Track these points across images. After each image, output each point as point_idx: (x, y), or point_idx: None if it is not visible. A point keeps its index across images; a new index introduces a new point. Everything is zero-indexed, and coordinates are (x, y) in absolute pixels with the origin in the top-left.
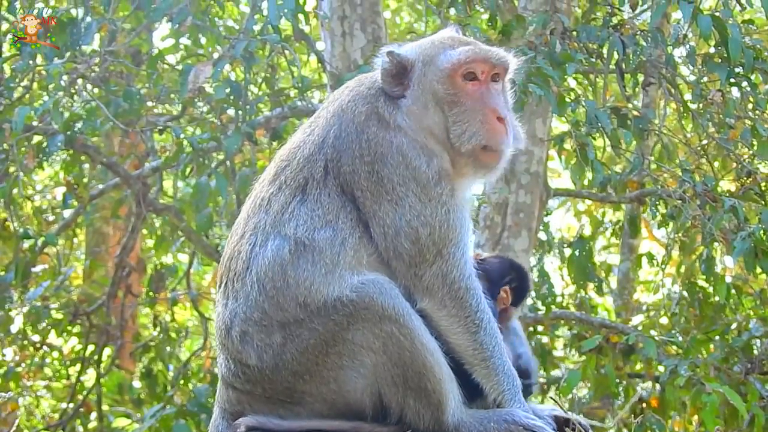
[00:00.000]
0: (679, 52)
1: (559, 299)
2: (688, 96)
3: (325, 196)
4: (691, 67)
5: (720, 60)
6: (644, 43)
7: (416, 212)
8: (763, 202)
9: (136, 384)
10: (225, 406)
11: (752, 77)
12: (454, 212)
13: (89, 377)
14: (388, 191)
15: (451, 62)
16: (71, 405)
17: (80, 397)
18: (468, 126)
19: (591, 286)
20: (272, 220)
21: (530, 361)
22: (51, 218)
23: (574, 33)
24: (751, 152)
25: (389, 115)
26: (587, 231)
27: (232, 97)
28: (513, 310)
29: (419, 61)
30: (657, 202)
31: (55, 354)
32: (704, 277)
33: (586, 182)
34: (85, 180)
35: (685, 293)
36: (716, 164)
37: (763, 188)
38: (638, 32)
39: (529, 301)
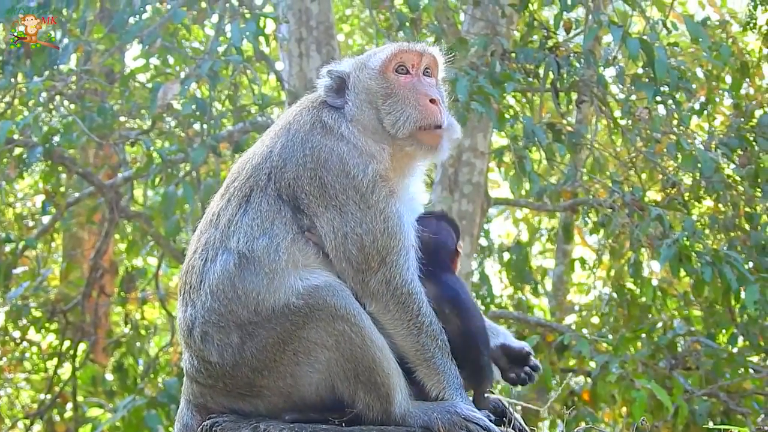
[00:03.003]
0: (609, 73)
1: (498, 300)
2: (617, 113)
3: (264, 203)
4: (620, 86)
5: (647, 80)
6: (577, 64)
7: (358, 220)
8: (686, 211)
9: (109, 377)
10: (190, 398)
11: (677, 96)
12: (392, 219)
13: (65, 370)
14: (332, 197)
15: (381, 59)
16: (49, 396)
17: (57, 388)
18: (402, 113)
19: (528, 287)
20: (220, 234)
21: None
22: (31, 224)
23: (513, 55)
24: (675, 165)
25: (334, 122)
26: (524, 237)
27: (197, 113)
28: (461, 249)
29: (353, 69)
30: (589, 211)
31: (34, 349)
32: (632, 279)
33: (523, 192)
34: (63, 189)
35: (614, 295)
36: (644, 176)
37: (686, 198)
38: (572, 54)
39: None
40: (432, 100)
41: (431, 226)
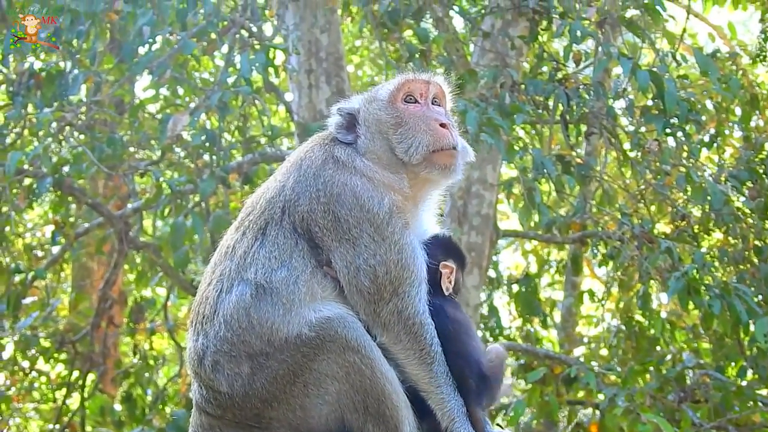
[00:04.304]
0: (619, 105)
1: (507, 332)
2: (627, 145)
3: (281, 236)
4: (630, 118)
5: (657, 112)
6: (587, 96)
7: (372, 251)
8: (696, 244)
9: (117, 407)
10: (198, 430)
11: (686, 128)
12: (406, 251)
13: (74, 400)
14: (345, 231)
15: (389, 90)
16: (57, 426)
17: (66, 419)
18: (413, 139)
19: (536, 319)
20: (236, 266)
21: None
22: (40, 254)
23: (523, 86)
24: (685, 197)
25: (347, 157)
26: (533, 269)
27: (207, 144)
28: (461, 276)
29: (363, 104)
30: (598, 243)
31: (43, 379)
32: (641, 312)
33: (532, 224)
34: (72, 219)
35: (623, 327)
36: (653, 208)
37: (696, 230)
38: (581, 86)
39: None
40: (442, 125)
41: None
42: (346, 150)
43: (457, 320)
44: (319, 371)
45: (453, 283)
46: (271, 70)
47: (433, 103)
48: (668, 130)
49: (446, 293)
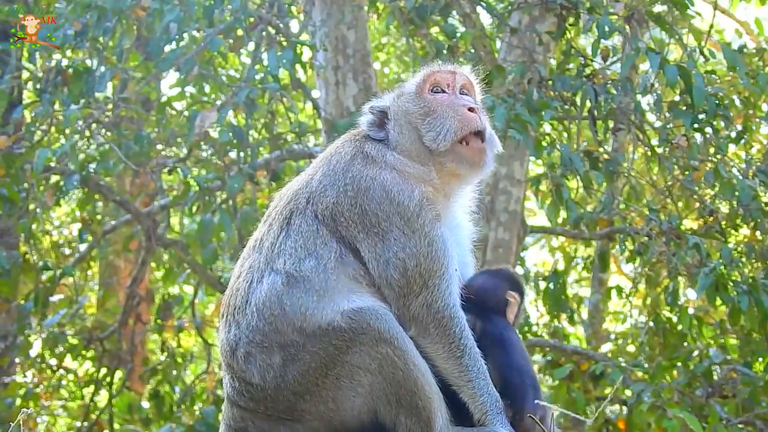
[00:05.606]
0: (646, 100)
1: (534, 328)
2: (654, 141)
3: (304, 224)
4: (657, 114)
5: (685, 107)
6: (614, 92)
7: (401, 244)
8: (723, 239)
9: (145, 404)
10: (230, 422)
11: (714, 123)
12: (436, 243)
13: (102, 398)
14: (373, 224)
15: (416, 82)
16: (85, 424)
17: (93, 416)
18: (441, 127)
19: (564, 316)
20: (264, 258)
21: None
22: (67, 252)
23: (550, 82)
24: (713, 193)
25: (377, 153)
26: (561, 265)
27: (234, 141)
28: (518, 306)
29: (393, 100)
30: (625, 239)
31: (71, 376)
32: (669, 308)
33: (560, 220)
34: (99, 216)
35: (650, 323)
36: (680, 204)
37: (724, 226)
38: (609, 81)
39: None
40: (470, 109)
41: (483, 276)
42: (376, 146)
43: (511, 340)
44: (351, 363)
45: (516, 315)
46: (298, 66)
47: (461, 93)
48: (696, 126)
49: (510, 323)
